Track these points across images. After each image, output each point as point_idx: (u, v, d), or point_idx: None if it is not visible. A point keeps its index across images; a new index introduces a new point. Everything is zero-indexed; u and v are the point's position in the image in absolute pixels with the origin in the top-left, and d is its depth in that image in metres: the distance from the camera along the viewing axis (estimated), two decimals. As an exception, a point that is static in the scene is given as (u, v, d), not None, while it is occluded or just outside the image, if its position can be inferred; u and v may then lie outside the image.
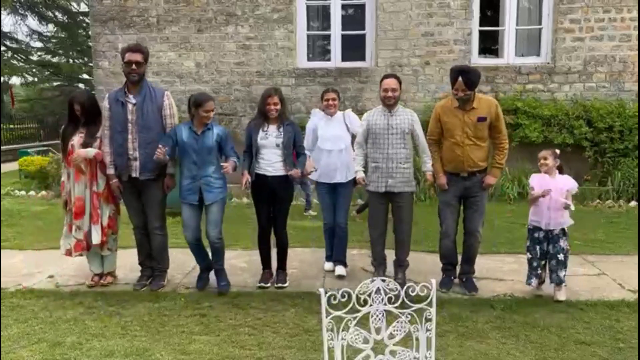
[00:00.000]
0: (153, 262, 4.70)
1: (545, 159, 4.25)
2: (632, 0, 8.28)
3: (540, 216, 4.24)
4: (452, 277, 4.54)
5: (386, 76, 4.39)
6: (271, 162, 4.35)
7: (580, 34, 8.44)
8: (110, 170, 4.43)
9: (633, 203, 7.82)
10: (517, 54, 8.76)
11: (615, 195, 7.99)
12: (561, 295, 4.19)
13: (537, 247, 4.28)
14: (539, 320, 3.84)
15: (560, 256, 4.19)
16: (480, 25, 8.74)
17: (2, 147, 14.68)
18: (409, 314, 2.44)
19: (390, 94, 4.27)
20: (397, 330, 2.45)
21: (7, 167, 12.32)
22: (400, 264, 4.49)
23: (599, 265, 5.08)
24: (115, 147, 4.37)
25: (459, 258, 4.57)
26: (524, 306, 4.11)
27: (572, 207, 4.17)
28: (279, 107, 4.31)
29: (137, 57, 4.30)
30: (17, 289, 4.51)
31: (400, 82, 4.33)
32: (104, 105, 4.45)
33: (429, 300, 2.44)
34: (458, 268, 4.58)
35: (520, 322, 3.82)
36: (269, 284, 4.52)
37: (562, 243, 4.21)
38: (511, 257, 5.37)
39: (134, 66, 4.28)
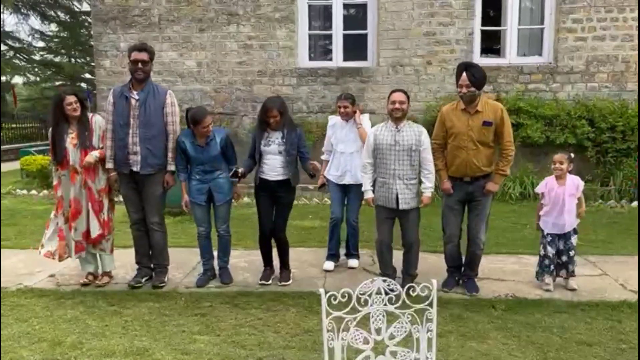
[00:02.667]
0: (151, 260, 4.69)
1: (560, 163, 4.31)
2: (634, 0, 8.26)
3: (550, 224, 4.40)
4: (457, 278, 4.54)
5: (394, 90, 4.31)
6: (274, 167, 4.42)
7: (582, 33, 8.41)
8: (110, 164, 4.48)
9: (635, 203, 7.79)
10: (519, 53, 8.74)
11: (617, 195, 7.97)
12: (574, 284, 4.41)
13: (550, 247, 4.40)
14: (541, 321, 3.83)
15: (572, 252, 4.37)
16: (482, 24, 8.72)
17: (4, 147, 14.70)
18: (409, 314, 2.43)
19: (398, 105, 4.16)
20: (397, 331, 2.45)
21: (9, 166, 12.34)
22: (409, 274, 4.46)
23: (601, 266, 5.06)
24: (116, 140, 4.42)
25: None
26: (525, 307, 4.09)
27: (583, 213, 4.48)
28: (278, 119, 4.33)
29: (143, 56, 4.36)
30: (18, 288, 4.51)
31: (408, 97, 4.26)
32: (108, 99, 4.52)
33: (430, 300, 2.43)
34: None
35: (522, 322, 3.81)
36: (269, 282, 4.54)
37: (573, 240, 4.39)
38: (512, 258, 5.37)
39: (139, 65, 4.33)
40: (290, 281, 4.55)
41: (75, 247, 4.49)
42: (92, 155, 4.39)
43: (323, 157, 5.18)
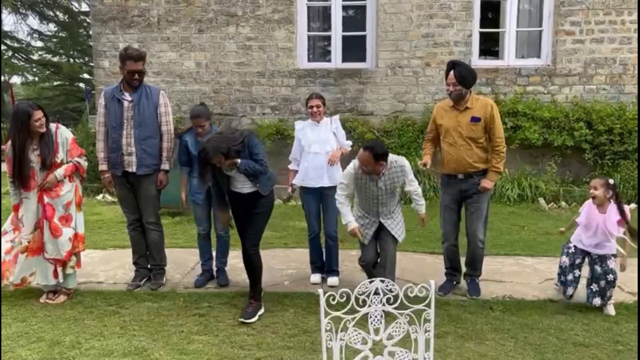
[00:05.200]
0: (149, 261, 4.71)
1: (595, 189, 3.94)
2: (632, 2, 8.28)
3: (581, 239, 4.08)
4: (454, 282, 4.51)
5: (368, 148, 3.84)
6: (244, 182, 3.99)
7: (580, 36, 8.44)
8: (104, 166, 4.51)
9: (633, 205, 7.81)
10: (517, 55, 8.76)
11: (615, 197, 7.98)
12: (611, 310, 4.00)
13: (566, 257, 4.12)
14: (538, 322, 3.84)
15: (610, 277, 3.95)
16: (481, 26, 8.73)
17: (3, 146, 14.64)
18: (407, 314, 2.44)
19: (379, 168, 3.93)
20: (395, 331, 2.46)
21: (7, 166, 12.31)
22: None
23: (598, 268, 5.07)
24: (110, 142, 4.44)
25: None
26: (523, 308, 4.11)
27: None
28: (223, 162, 3.75)
29: (140, 66, 4.36)
30: (17, 288, 4.50)
31: (384, 155, 3.90)
32: (99, 102, 4.56)
33: (427, 301, 2.44)
34: (463, 269, 4.54)
35: (519, 323, 3.83)
36: (256, 317, 3.90)
37: (611, 264, 3.96)
38: (510, 259, 5.38)
39: (136, 75, 4.35)
40: (256, 317, 3.88)
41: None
42: (56, 175, 4.10)
43: (291, 166, 4.82)
